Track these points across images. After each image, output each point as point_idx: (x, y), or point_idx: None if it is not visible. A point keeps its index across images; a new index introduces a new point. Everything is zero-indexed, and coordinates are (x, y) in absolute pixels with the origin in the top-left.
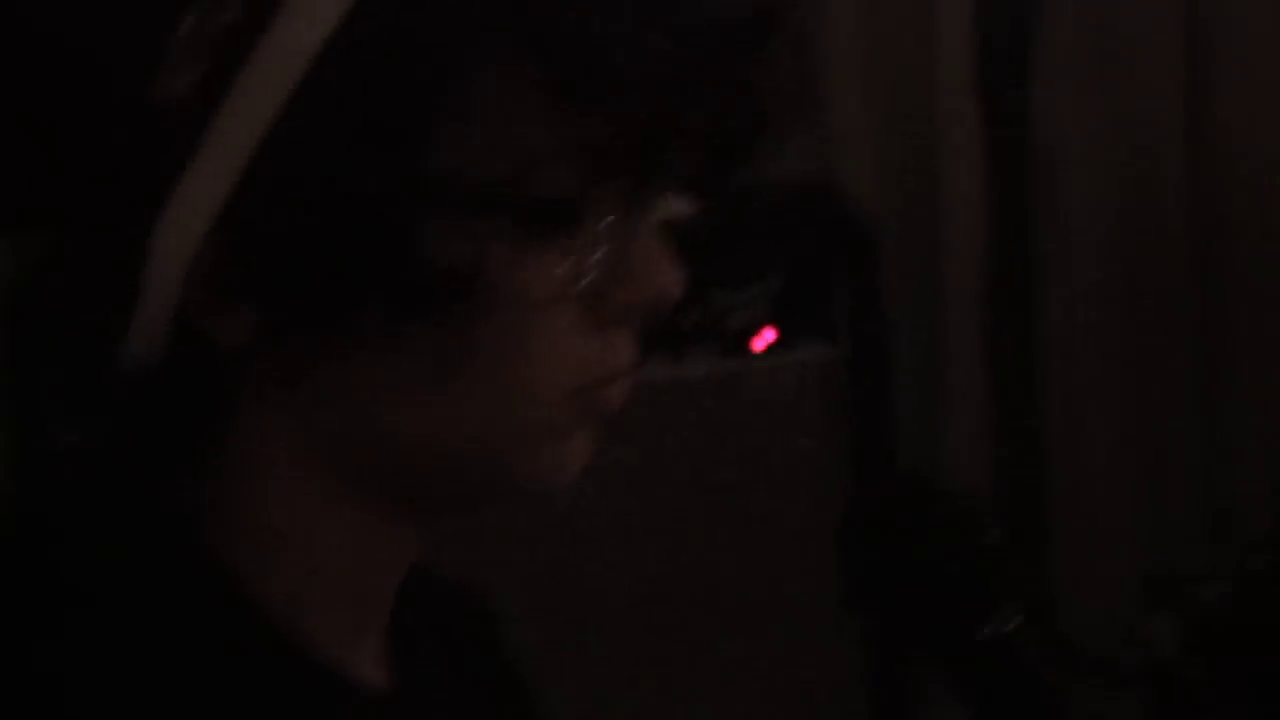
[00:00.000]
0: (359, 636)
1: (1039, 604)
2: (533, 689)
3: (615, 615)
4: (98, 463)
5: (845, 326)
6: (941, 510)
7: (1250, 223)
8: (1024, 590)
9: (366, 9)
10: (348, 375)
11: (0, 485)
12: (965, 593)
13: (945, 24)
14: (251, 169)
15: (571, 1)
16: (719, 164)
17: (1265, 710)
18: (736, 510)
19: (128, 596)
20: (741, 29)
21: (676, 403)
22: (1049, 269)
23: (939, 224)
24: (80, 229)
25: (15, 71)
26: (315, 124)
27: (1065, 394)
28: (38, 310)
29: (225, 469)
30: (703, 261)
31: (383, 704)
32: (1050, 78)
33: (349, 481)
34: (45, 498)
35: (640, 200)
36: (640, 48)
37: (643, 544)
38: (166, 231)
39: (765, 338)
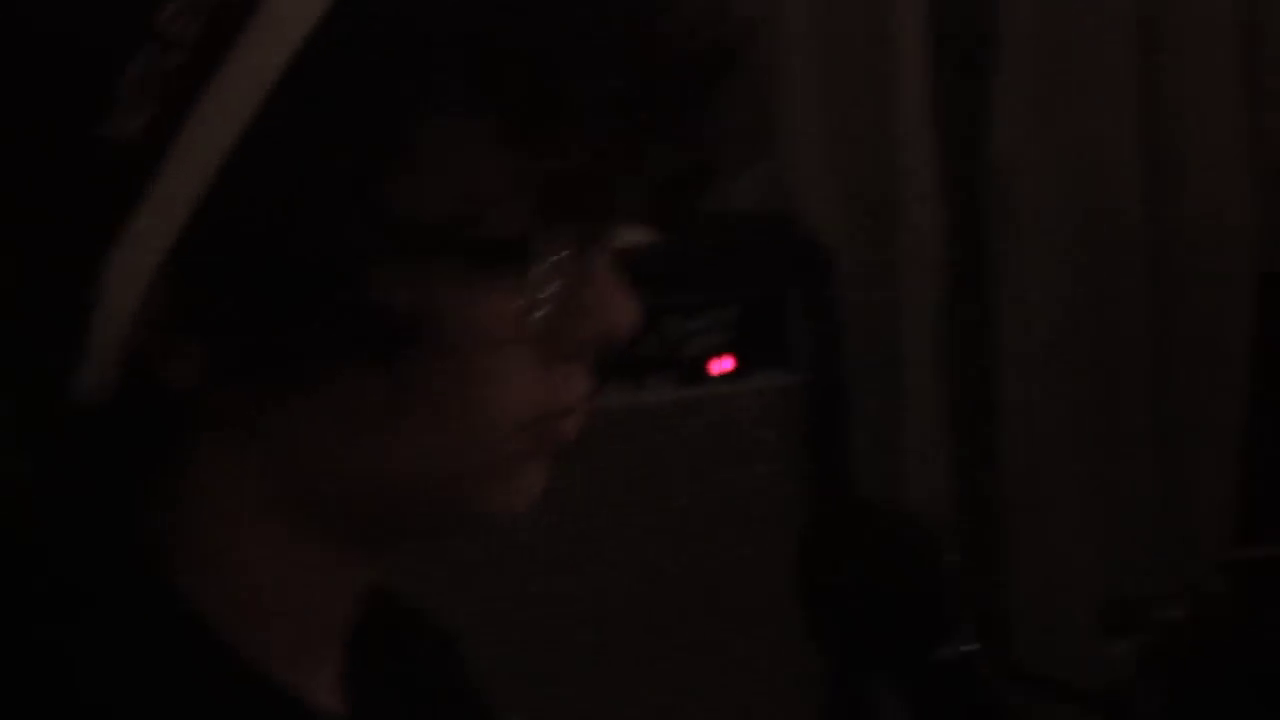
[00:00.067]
0: (317, 662)
1: (996, 626)
2: (491, 712)
3: (574, 640)
4: (51, 495)
5: (802, 353)
6: (898, 533)
7: (1206, 244)
8: (981, 613)
9: (317, 51)
10: (300, 413)
11: None
12: (922, 615)
13: (902, 51)
14: (201, 211)
15: (524, 44)
16: (675, 200)
17: None
18: (694, 536)
19: (87, 624)
20: (697, 71)
21: (634, 429)
22: (1005, 295)
23: (896, 251)
24: (30, 266)
25: None
26: (264, 167)
27: (1022, 419)
28: None
29: (184, 501)
30: (661, 288)
31: None
32: (1007, 104)
33: (305, 514)
34: None
35: (594, 235)
36: (593, 90)
37: (601, 570)
38: (116, 270)
39: (723, 364)
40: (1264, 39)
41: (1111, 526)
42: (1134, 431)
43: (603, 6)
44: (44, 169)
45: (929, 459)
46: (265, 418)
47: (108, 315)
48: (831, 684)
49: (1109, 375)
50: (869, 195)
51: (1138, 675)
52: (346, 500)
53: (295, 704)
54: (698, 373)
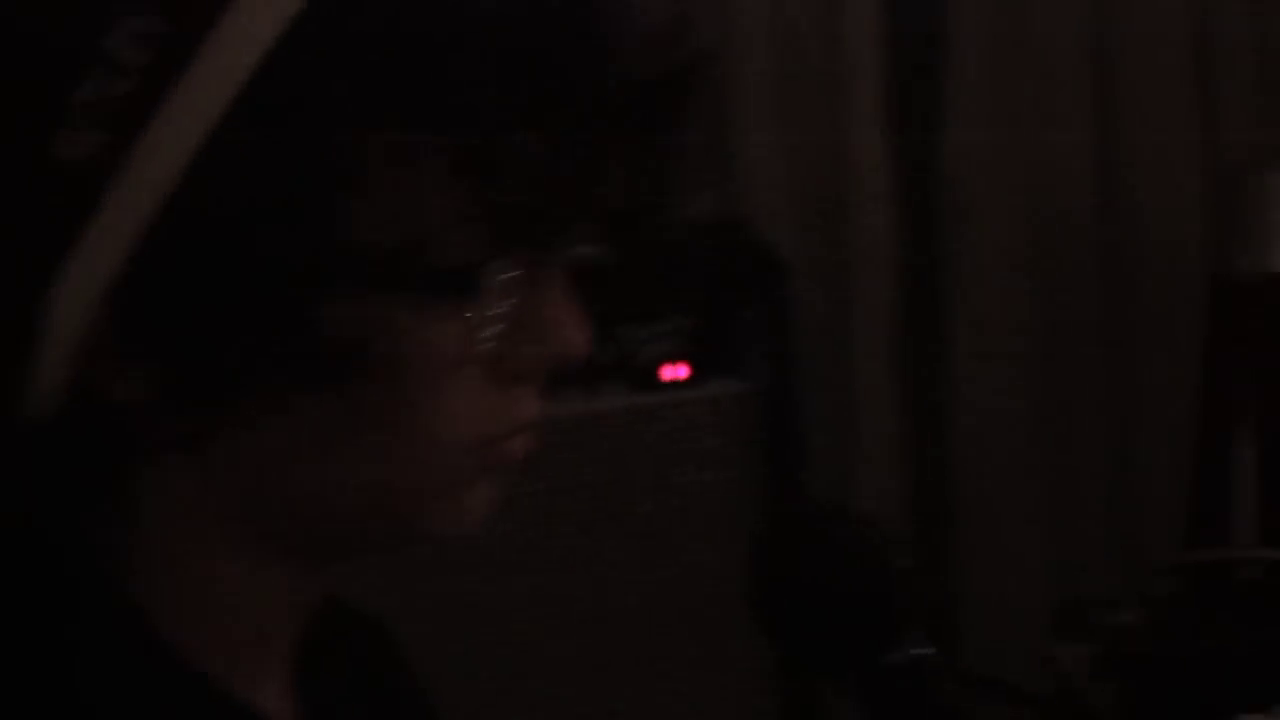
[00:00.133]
0: (267, 671)
1: (948, 630)
2: (431, 706)
3: (528, 646)
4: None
5: (756, 361)
6: (849, 537)
7: (1158, 247)
8: (932, 616)
9: (267, 81)
10: (250, 434)
11: None
12: (873, 619)
13: (855, 54)
14: (150, 234)
15: (473, 77)
16: (628, 224)
17: None
18: (649, 542)
19: (37, 633)
20: (649, 101)
21: (589, 437)
22: (958, 303)
23: (849, 260)
24: None
25: None
26: (212, 193)
27: (974, 424)
28: None
29: (140, 515)
30: (615, 297)
31: None
32: (959, 107)
33: (256, 530)
34: None
35: (546, 259)
36: (543, 123)
37: (555, 576)
38: (64, 290)
39: (677, 372)
40: (1215, 45)
41: (1063, 530)
42: (1086, 435)
43: (552, 39)
44: None
45: (881, 464)
46: (215, 438)
47: (55, 334)
48: (785, 687)
49: (1061, 379)
50: (822, 198)
51: (1088, 679)
52: (297, 517)
53: (245, 711)
54: (652, 380)
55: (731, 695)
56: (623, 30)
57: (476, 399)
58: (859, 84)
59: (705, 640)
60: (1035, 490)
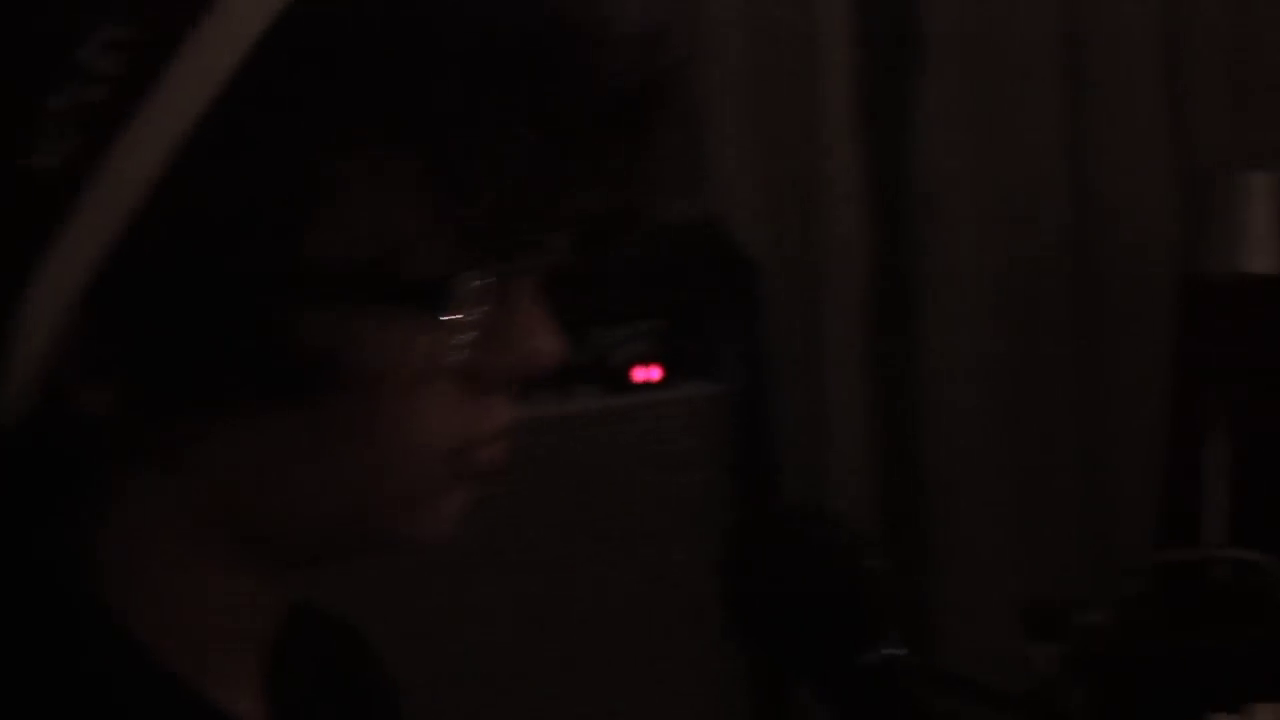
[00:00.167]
0: (239, 674)
1: (920, 630)
2: (400, 711)
3: (500, 649)
4: None
5: (728, 363)
6: (822, 537)
7: (1128, 254)
8: (905, 617)
9: (239, 93)
10: (221, 444)
11: None
12: (846, 619)
13: (828, 64)
14: (120, 245)
15: (443, 91)
16: (601, 236)
17: None
18: (621, 544)
19: (11, 635)
20: (621, 116)
21: (562, 439)
22: (929, 305)
23: (821, 262)
24: None
25: None
26: (184, 204)
27: (946, 426)
28: None
29: (113, 520)
30: (587, 300)
31: None
32: (932, 108)
33: (227, 537)
34: None
35: (516, 268)
36: (513, 137)
37: (527, 578)
38: (34, 299)
39: (650, 374)
40: (1186, 45)
41: (1034, 530)
42: (1057, 435)
43: (525, 52)
44: None
45: (854, 464)
46: (186, 447)
47: (26, 342)
48: (758, 689)
49: (1033, 380)
50: (793, 199)
51: (1060, 679)
52: (269, 524)
53: (216, 712)
54: (624, 382)
55: (705, 697)
56: (598, 41)
57: (449, 408)
58: (831, 84)
59: (679, 642)
60: (1006, 490)
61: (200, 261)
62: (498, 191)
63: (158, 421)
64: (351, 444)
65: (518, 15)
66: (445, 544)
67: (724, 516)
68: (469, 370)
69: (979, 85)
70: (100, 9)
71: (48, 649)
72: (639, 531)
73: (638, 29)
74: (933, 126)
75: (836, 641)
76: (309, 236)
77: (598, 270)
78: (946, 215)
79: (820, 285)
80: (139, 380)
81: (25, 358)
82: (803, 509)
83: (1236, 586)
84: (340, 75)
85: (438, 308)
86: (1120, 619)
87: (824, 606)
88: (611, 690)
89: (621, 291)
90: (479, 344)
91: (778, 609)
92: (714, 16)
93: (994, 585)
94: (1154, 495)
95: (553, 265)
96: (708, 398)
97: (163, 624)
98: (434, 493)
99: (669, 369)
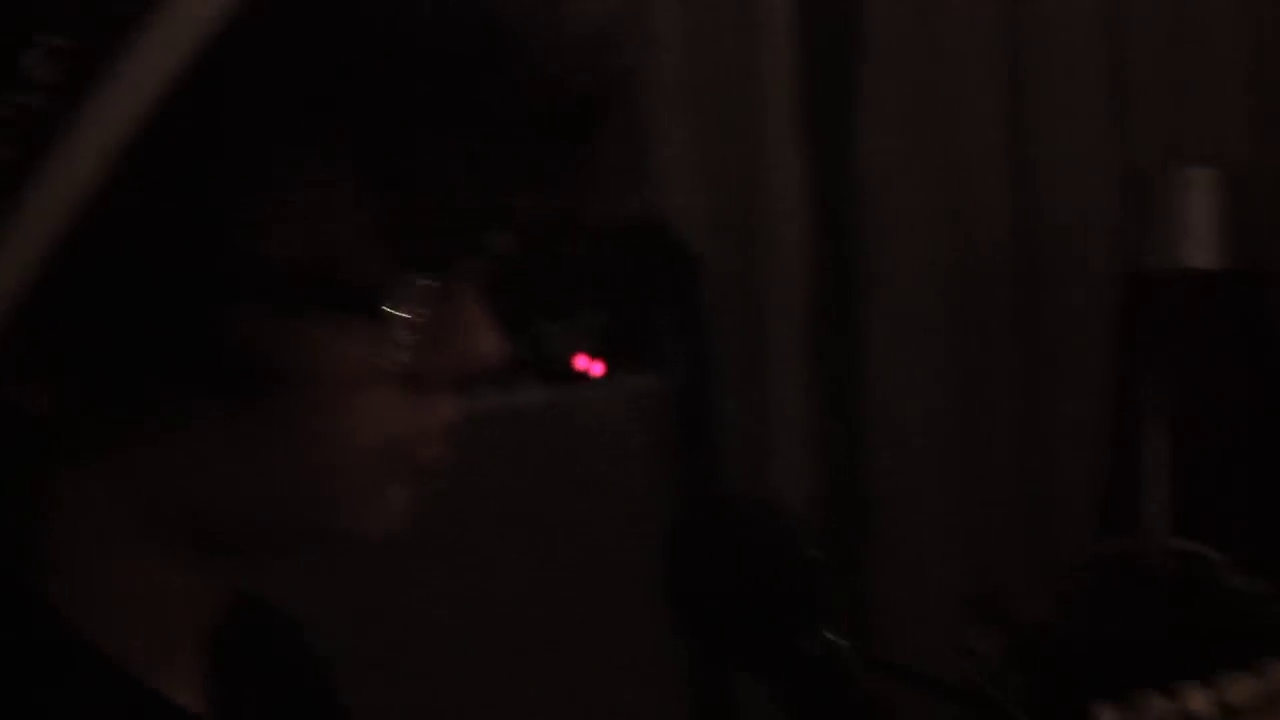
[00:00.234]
0: (180, 666)
1: (863, 621)
2: (349, 715)
3: (442, 641)
4: None
5: (671, 357)
6: (761, 526)
7: (1070, 250)
8: (848, 608)
9: (176, 102)
10: (164, 443)
11: None
12: (786, 608)
13: (770, 62)
14: (59, 250)
15: (377, 96)
16: (542, 240)
17: None
18: (563, 538)
19: None
20: (558, 120)
21: (503, 431)
22: (871, 298)
23: (764, 258)
24: None
25: None
26: (122, 210)
27: (888, 418)
28: None
29: (57, 514)
30: (529, 295)
31: None
32: (874, 109)
33: (168, 532)
34: None
35: (456, 272)
36: (453, 144)
37: (468, 571)
38: None
39: (593, 368)
40: (1127, 43)
41: (977, 522)
42: (1000, 429)
43: (465, 58)
44: None
45: (797, 459)
46: (127, 445)
47: None
48: (700, 679)
49: (975, 373)
50: (736, 196)
51: (1001, 668)
52: (208, 522)
53: (158, 701)
54: (567, 376)
55: (647, 687)
56: (538, 44)
57: (390, 408)
58: (773, 84)
59: (621, 634)
60: (949, 482)
61: (138, 265)
62: (434, 195)
63: (98, 421)
64: (292, 444)
65: (456, 18)
66: (389, 538)
67: (666, 509)
68: (411, 370)
69: (920, 84)
70: (40, 18)
71: None
72: (580, 525)
73: (579, 31)
74: (874, 125)
75: (776, 630)
76: (246, 241)
77: (541, 266)
78: (889, 212)
79: (763, 281)
80: (79, 380)
81: None
82: (743, 499)
83: (1176, 576)
84: (277, 82)
85: (377, 310)
86: (1062, 609)
87: (764, 595)
88: (553, 681)
89: (565, 285)
90: (420, 345)
91: (718, 598)
92: (656, 17)
93: (937, 576)
94: (1095, 488)
95: (494, 265)
96: (650, 392)
97: (106, 618)
98: (375, 489)
99: (612, 364)
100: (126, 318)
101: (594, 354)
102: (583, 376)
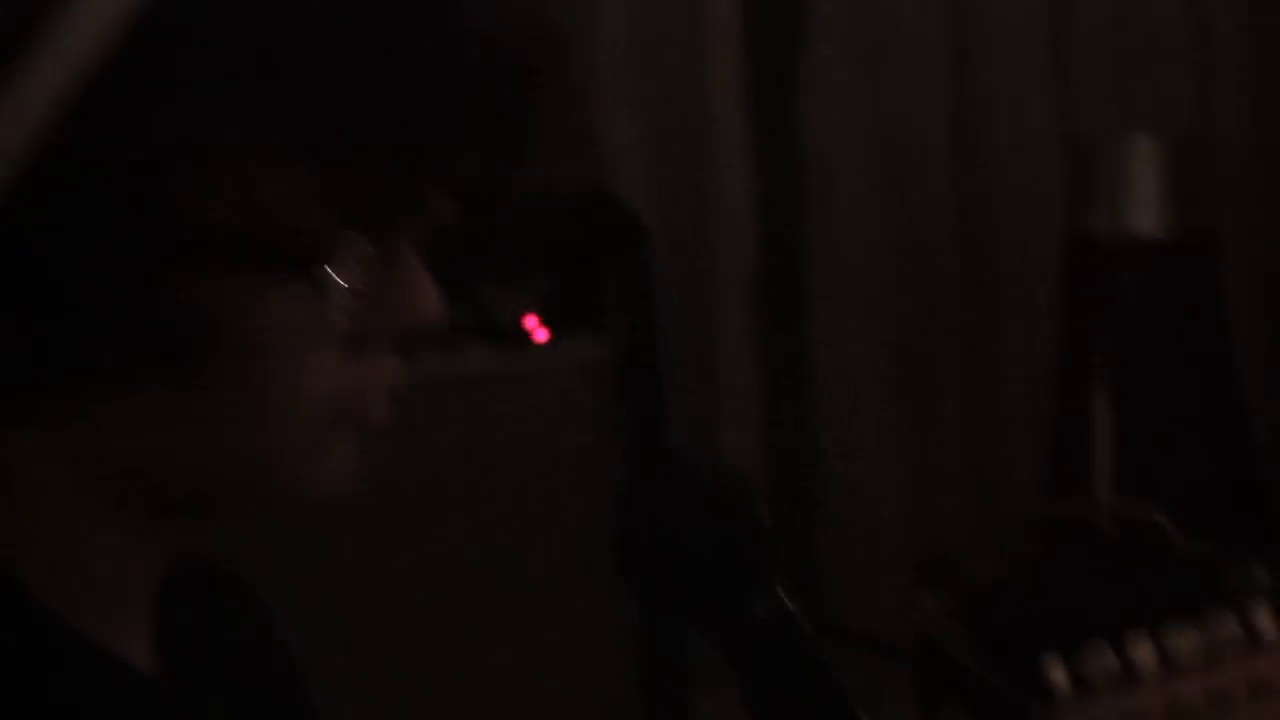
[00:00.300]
0: (132, 625)
1: (812, 584)
2: (301, 677)
3: (388, 608)
4: None
5: (618, 322)
6: (710, 487)
7: (1015, 217)
8: (797, 571)
9: (111, 66)
10: (109, 407)
11: None
12: (735, 570)
13: (714, 33)
14: None
15: (320, 60)
16: (481, 198)
17: (1032, 685)
18: (511, 501)
19: None
20: (497, 83)
21: (450, 397)
22: (818, 267)
23: (710, 223)
24: None
25: None
26: (54, 171)
27: (835, 383)
28: None
29: (4, 481)
30: (475, 257)
31: (157, 686)
32: (818, 83)
33: (115, 493)
34: None
35: (395, 233)
36: (388, 107)
37: (415, 536)
38: None
39: (539, 333)
40: (1071, 14)
41: (925, 486)
42: (947, 393)
43: (403, 19)
44: None
45: (744, 424)
46: (73, 409)
47: None
48: (650, 642)
49: (922, 338)
50: (681, 163)
51: (948, 631)
52: (155, 482)
53: (110, 660)
54: (514, 341)
55: (597, 651)
56: (477, 6)
57: (333, 368)
58: (718, 50)
59: (570, 599)
60: (897, 447)
61: (77, 226)
62: (371, 157)
63: (43, 383)
64: (236, 406)
65: None
66: (342, 496)
67: (613, 473)
68: (353, 330)
69: (865, 54)
70: None
71: None
72: (527, 490)
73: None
74: (820, 94)
75: (725, 592)
76: (185, 203)
77: (486, 229)
78: (835, 181)
79: (709, 247)
80: (22, 343)
81: None
82: (691, 459)
83: (1123, 538)
84: (213, 45)
85: (318, 273)
86: (1010, 572)
87: (712, 556)
88: (503, 647)
89: (512, 249)
90: (361, 305)
91: (667, 560)
92: None
93: (886, 540)
94: (1044, 451)
95: (434, 226)
96: (596, 358)
97: (56, 576)
98: (320, 448)
99: (558, 329)
100: (67, 279)
101: (540, 319)
102: (528, 339)
